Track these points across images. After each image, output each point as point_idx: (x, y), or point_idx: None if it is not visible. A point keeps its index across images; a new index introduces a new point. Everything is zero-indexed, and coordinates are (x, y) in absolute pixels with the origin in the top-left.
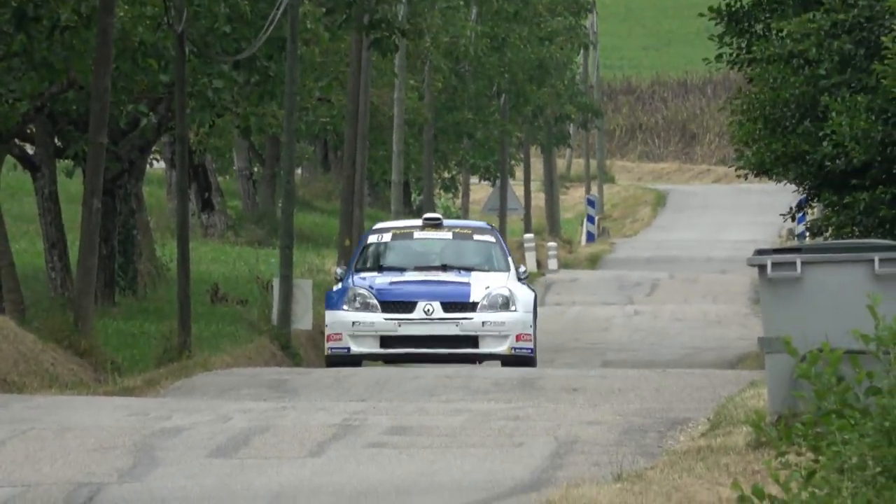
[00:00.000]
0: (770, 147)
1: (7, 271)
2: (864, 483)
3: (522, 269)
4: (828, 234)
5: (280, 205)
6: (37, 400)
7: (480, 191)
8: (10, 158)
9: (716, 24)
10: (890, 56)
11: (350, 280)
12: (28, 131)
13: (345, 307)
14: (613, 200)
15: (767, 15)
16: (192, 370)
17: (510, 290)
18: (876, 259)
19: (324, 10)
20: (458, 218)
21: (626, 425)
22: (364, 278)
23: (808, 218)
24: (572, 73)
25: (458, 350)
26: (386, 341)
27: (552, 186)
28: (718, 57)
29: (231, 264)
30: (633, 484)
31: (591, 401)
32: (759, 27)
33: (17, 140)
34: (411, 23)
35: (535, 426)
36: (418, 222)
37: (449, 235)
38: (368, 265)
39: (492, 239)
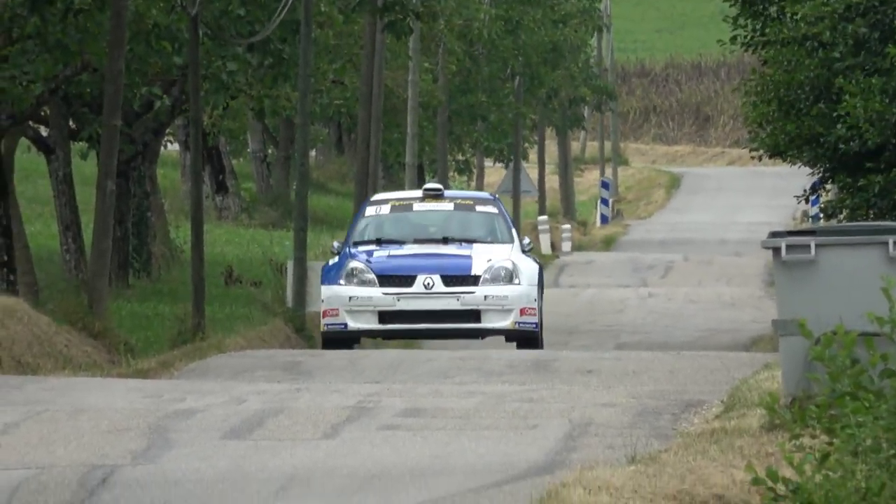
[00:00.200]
0: (784, 129)
1: (21, 253)
2: (879, 465)
3: (527, 240)
4: (842, 216)
5: (294, 187)
6: (50, 381)
7: (494, 173)
8: (24, 140)
9: (730, 6)
10: None
11: (347, 254)
12: (42, 114)
13: (341, 282)
14: (628, 183)
15: None
16: (206, 352)
17: (513, 263)
18: (890, 241)
19: None
20: None
21: (640, 408)
22: (361, 252)
23: (823, 200)
24: (586, 55)
25: (460, 325)
26: (384, 317)
27: (566, 169)
28: (733, 39)
29: (245, 246)
30: (647, 466)
31: (606, 383)
32: (773, 9)
33: (31, 122)
34: (425, 5)
35: (549, 408)
36: (418, 193)
37: (450, 206)
38: (366, 238)
39: (494, 210)
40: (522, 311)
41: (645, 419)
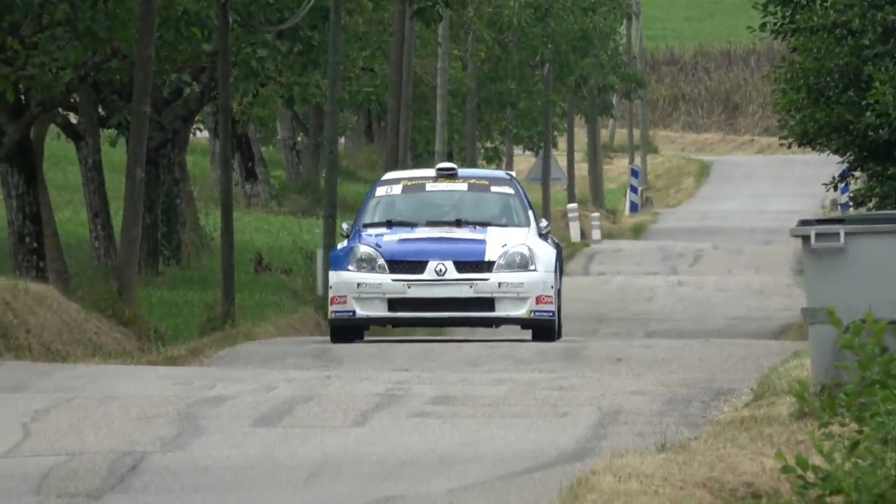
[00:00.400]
0: (813, 116)
1: (51, 240)
2: None
3: (544, 223)
4: (871, 204)
5: (323, 175)
6: (80, 369)
7: (523, 161)
8: (53, 127)
9: None
10: None
11: (356, 237)
12: (72, 101)
13: (349, 267)
14: (657, 171)
15: None
16: (235, 339)
17: (529, 248)
18: None
19: None
20: None
21: (669, 395)
22: (371, 235)
23: (852, 188)
24: (615, 43)
25: (473, 314)
26: (394, 304)
27: (596, 156)
28: (762, 26)
29: (275, 234)
30: (677, 454)
31: (635, 371)
32: None
33: (60, 109)
34: None
35: (578, 396)
36: (431, 172)
37: (464, 187)
38: (376, 220)
39: (510, 190)
40: (538, 299)
41: (674, 407)
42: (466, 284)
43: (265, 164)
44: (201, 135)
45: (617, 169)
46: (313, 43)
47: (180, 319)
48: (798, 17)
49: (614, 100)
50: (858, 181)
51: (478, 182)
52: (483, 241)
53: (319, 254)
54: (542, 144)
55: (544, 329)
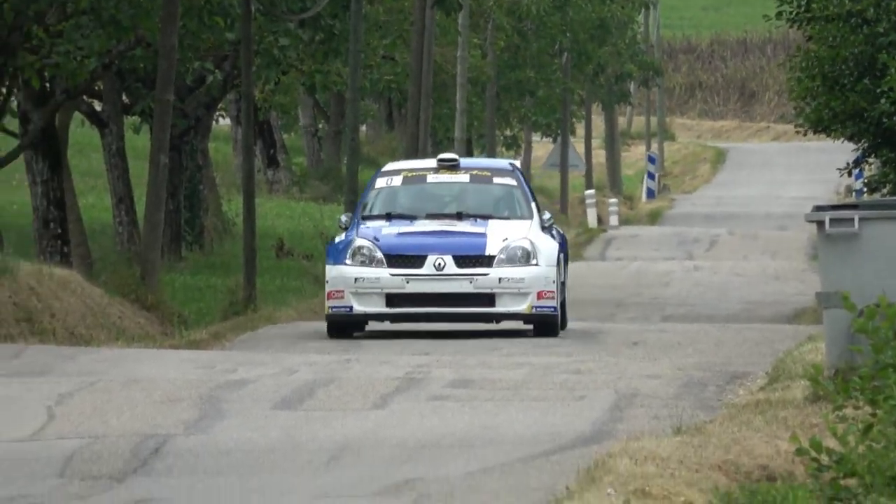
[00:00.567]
0: (828, 104)
1: (75, 226)
2: None
3: (547, 215)
4: (885, 190)
5: (344, 162)
6: (104, 353)
7: (542, 148)
8: (78, 115)
9: None
10: None
11: (354, 230)
12: (96, 88)
13: (347, 261)
14: (674, 157)
15: None
16: (257, 324)
17: (531, 242)
18: None
19: None
20: None
21: (685, 379)
22: (369, 228)
23: (866, 174)
24: (633, 31)
25: (473, 309)
26: (392, 300)
27: (613, 143)
28: (778, 15)
29: (296, 220)
30: (693, 437)
31: (651, 355)
32: None
33: (85, 97)
34: None
35: (595, 380)
36: (433, 163)
37: (466, 178)
38: (376, 212)
39: (513, 182)
40: (540, 295)
41: (690, 390)
42: (466, 279)
43: (287, 150)
44: (224, 122)
45: (634, 156)
46: (335, 31)
47: (203, 304)
48: (814, 6)
49: (632, 87)
50: (872, 167)
51: (480, 173)
52: (483, 235)
53: None
54: (560, 132)
55: (546, 325)
